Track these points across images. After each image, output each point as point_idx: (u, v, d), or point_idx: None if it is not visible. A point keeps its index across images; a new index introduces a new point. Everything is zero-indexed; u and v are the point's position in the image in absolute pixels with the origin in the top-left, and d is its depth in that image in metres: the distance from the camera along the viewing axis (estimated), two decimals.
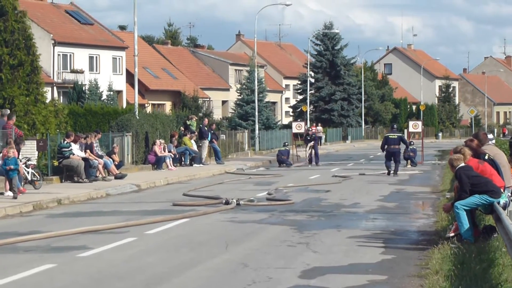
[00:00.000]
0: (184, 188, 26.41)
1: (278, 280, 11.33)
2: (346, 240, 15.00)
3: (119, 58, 66.36)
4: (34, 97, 30.30)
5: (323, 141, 68.14)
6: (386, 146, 33.06)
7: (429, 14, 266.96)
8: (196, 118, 43.86)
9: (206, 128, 40.08)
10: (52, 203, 21.62)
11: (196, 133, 39.52)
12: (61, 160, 27.84)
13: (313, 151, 40.83)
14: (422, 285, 10.89)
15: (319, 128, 69.24)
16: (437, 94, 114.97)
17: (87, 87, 56.03)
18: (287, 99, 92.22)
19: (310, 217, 18.73)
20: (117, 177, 29.15)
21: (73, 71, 61.19)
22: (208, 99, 75.32)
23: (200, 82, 77.43)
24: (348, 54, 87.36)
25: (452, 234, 13.92)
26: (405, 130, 54.32)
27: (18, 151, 24.18)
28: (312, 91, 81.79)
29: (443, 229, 15.32)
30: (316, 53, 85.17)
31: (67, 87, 58.12)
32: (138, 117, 36.07)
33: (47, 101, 32.09)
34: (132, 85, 44.64)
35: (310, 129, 44.29)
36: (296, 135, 47.17)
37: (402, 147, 35.22)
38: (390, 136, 33.38)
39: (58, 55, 60.95)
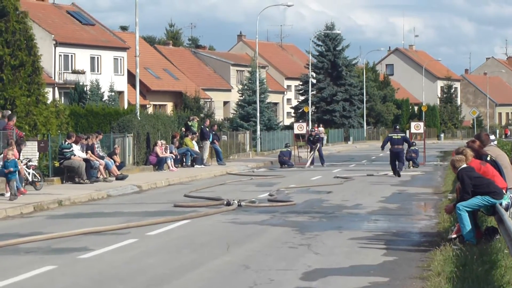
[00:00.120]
0: (185, 189, 26.38)
1: (279, 282, 11.31)
2: (347, 241, 14.96)
3: (120, 59, 66.31)
4: (35, 97, 30.31)
5: (324, 142, 68.06)
6: (390, 147, 33.11)
7: (430, 14, 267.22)
8: (198, 119, 43.83)
9: (207, 129, 40.04)
10: (53, 204, 21.58)
11: (197, 134, 39.49)
12: (62, 161, 27.80)
13: (317, 152, 40.91)
14: (424, 287, 10.86)
15: (321, 129, 69.30)
16: (439, 95, 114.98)
17: (88, 87, 56.01)
18: (288, 100, 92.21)
19: (312, 218, 18.70)
20: (118, 178, 29.11)
21: (74, 72, 61.15)
22: (209, 100, 75.24)
23: (201, 82, 77.38)
24: (349, 55, 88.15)
25: (454, 236, 13.87)
26: (407, 131, 54.30)
27: (19, 152, 24.15)
28: (314, 92, 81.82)
29: (445, 230, 15.27)
30: (317, 53, 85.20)
31: (68, 88, 58.07)
32: (139, 118, 36.06)
33: (48, 101, 32.10)
34: (134, 86, 44.61)
35: (313, 129, 44.25)
36: (298, 136, 47.17)
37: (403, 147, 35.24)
38: (394, 137, 33.38)
39: (60, 55, 60.91)
